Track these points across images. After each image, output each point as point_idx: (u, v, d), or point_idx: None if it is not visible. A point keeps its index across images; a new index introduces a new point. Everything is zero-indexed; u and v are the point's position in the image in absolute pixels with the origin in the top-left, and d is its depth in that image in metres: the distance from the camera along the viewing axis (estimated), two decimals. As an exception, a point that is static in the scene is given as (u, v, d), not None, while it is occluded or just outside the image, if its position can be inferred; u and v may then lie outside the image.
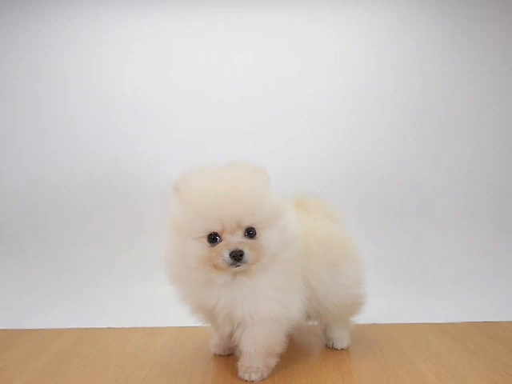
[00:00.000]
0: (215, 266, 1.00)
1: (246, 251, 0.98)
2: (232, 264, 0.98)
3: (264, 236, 1.01)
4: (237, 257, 0.97)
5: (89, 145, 2.04)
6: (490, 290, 1.83)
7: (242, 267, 0.99)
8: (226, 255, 0.97)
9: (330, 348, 1.30)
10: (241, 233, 1.00)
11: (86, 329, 1.49)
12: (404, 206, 2.04)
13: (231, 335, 1.13)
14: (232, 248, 0.97)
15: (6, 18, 2.03)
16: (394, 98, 2.06)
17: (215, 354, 1.27)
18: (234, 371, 1.14)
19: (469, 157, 2.07)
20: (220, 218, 0.97)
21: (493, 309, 1.64)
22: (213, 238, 0.99)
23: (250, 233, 1.00)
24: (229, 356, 1.25)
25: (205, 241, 1.00)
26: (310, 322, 1.30)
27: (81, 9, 2.04)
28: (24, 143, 2.05)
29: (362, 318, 1.34)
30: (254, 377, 1.09)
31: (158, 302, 1.70)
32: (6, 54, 2.04)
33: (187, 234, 1.00)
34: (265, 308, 1.04)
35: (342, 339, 1.30)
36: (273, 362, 1.13)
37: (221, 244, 0.99)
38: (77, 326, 1.50)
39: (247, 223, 0.99)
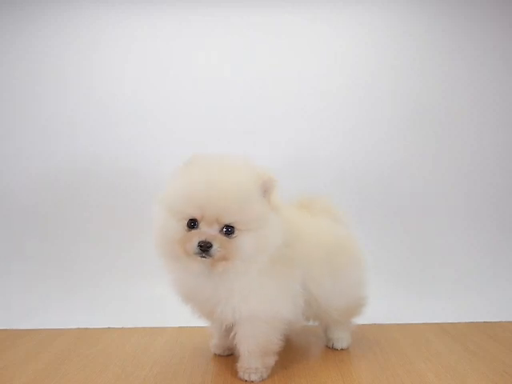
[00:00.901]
0: (185, 251, 1.00)
1: (216, 245, 0.98)
2: (198, 253, 0.98)
3: (240, 238, 1.00)
4: (204, 247, 0.97)
5: (89, 145, 2.04)
6: (489, 290, 1.83)
7: (208, 260, 0.99)
8: (195, 243, 0.98)
9: (330, 348, 1.31)
10: (218, 227, 1.00)
11: (86, 329, 1.49)
12: (404, 206, 2.04)
13: (229, 335, 1.13)
14: (202, 238, 0.98)
15: (5, 18, 2.03)
16: (394, 97, 2.06)
17: (215, 354, 1.27)
18: (234, 371, 1.14)
19: (469, 157, 2.07)
20: (200, 207, 0.98)
21: (493, 309, 1.64)
22: (192, 225, 1.01)
23: (228, 230, 1.00)
24: (228, 356, 1.25)
25: (184, 224, 1.01)
26: (311, 323, 1.30)
27: (81, 9, 2.04)
28: (24, 143, 2.05)
29: (362, 318, 1.34)
30: (253, 377, 1.10)
31: (157, 301, 1.70)
32: (5, 54, 2.04)
33: (171, 212, 1.02)
34: (246, 307, 1.04)
35: (342, 340, 1.30)
36: (271, 361, 1.13)
37: (195, 231, 1.00)
38: (77, 326, 1.50)
39: (224, 220, 0.99)
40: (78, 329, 1.49)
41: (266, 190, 1.03)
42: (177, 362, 1.23)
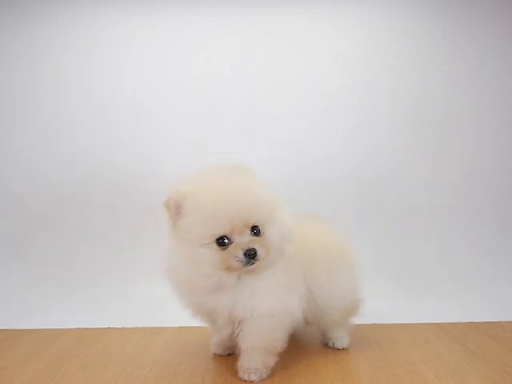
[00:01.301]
0: (229, 268, 1.01)
1: (259, 248, 1.00)
2: (248, 263, 1.00)
3: (268, 232, 1.04)
4: (252, 255, 0.99)
5: (89, 145, 2.04)
6: (490, 290, 1.83)
7: (256, 264, 1.01)
8: (241, 255, 0.99)
9: (330, 348, 1.31)
10: (248, 232, 1.02)
11: (86, 329, 1.49)
12: (404, 206, 2.04)
13: (231, 335, 1.13)
14: (245, 247, 1.00)
15: (5, 17, 2.03)
16: (394, 97, 2.06)
17: (215, 354, 1.27)
18: (234, 371, 1.14)
19: (469, 157, 2.07)
20: (229, 221, 0.99)
21: (493, 309, 1.64)
22: (222, 242, 1.01)
23: (256, 231, 1.03)
24: (229, 356, 1.25)
25: (214, 246, 1.01)
26: (309, 329, 1.31)
27: (81, 9, 2.04)
28: (24, 143, 2.05)
29: (362, 318, 1.34)
30: (253, 377, 1.10)
31: (157, 301, 1.69)
32: (5, 54, 2.04)
33: (196, 242, 1.01)
34: (264, 304, 1.06)
35: (341, 339, 1.31)
36: (272, 361, 1.13)
37: (233, 245, 1.01)
38: (77, 326, 1.50)
39: (253, 221, 1.02)
40: (78, 329, 1.49)
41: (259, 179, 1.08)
42: (177, 362, 1.23)
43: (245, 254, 0.99)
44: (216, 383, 1.10)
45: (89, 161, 2.04)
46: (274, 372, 1.14)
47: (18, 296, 1.81)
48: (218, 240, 1.00)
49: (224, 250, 1.00)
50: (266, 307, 1.06)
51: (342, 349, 1.30)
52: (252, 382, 1.10)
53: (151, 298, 1.74)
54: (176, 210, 1.02)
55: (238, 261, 0.99)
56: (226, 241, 1.01)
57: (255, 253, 0.99)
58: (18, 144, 2.05)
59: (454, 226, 2.04)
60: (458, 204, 2.06)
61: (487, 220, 2.05)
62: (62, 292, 1.83)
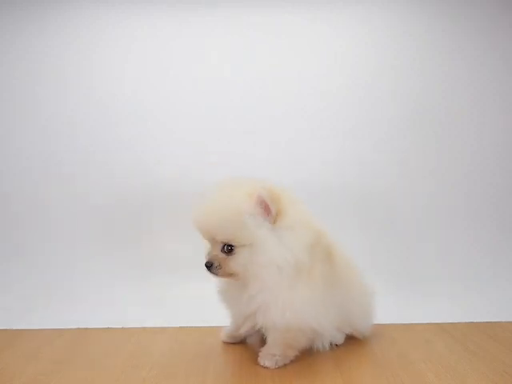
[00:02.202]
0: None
1: (215, 264, 1.10)
2: (207, 271, 1.12)
3: (238, 255, 1.09)
4: (208, 267, 1.11)
5: (89, 145, 2.04)
6: (490, 290, 1.83)
7: (218, 276, 1.13)
8: (204, 262, 1.12)
9: (330, 346, 1.30)
10: (219, 247, 1.10)
11: (86, 329, 1.48)
12: (404, 206, 2.04)
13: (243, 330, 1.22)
14: (207, 258, 1.12)
15: (5, 18, 2.03)
16: (394, 97, 2.06)
17: (215, 354, 1.27)
18: (235, 372, 1.14)
19: (469, 157, 2.07)
20: (200, 229, 1.12)
21: (493, 309, 1.64)
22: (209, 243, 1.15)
23: (228, 248, 1.09)
24: (229, 355, 1.25)
25: (207, 243, 1.15)
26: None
27: (81, 9, 2.04)
28: (24, 143, 2.05)
29: (362, 317, 1.34)
30: (268, 363, 1.16)
31: (158, 301, 1.70)
32: (5, 54, 2.04)
33: None
34: (278, 318, 1.10)
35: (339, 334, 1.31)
36: (292, 353, 1.18)
37: (207, 251, 1.14)
38: (77, 326, 1.50)
39: (220, 239, 1.09)
40: (78, 329, 1.49)
41: (264, 205, 1.06)
42: (177, 362, 1.22)
43: (205, 264, 1.11)
44: (216, 383, 1.10)
45: (89, 161, 2.04)
46: (274, 372, 1.14)
47: (18, 296, 1.81)
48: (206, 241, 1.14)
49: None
50: (282, 321, 1.10)
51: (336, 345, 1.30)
52: (267, 367, 1.15)
53: (151, 297, 1.74)
54: None
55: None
56: (210, 245, 1.13)
57: (209, 266, 1.10)
58: (18, 144, 2.05)
59: (454, 225, 2.04)
60: (458, 204, 2.06)
61: (487, 220, 2.05)
62: (62, 292, 1.83)
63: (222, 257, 1.09)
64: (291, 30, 2.05)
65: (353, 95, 2.06)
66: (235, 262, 1.08)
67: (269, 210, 1.06)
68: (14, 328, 1.49)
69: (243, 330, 1.21)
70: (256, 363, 1.18)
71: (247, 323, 1.18)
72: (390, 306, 1.63)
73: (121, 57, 2.05)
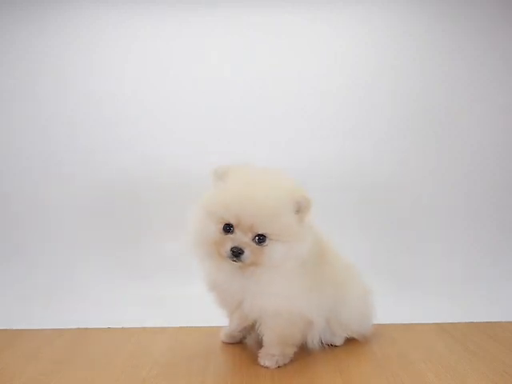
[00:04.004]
0: (219, 253, 1.07)
1: (247, 252, 1.05)
2: (230, 257, 1.06)
3: (270, 247, 1.06)
4: (236, 253, 1.04)
5: (89, 145, 2.04)
6: (490, 290, 1.83)
7: (239, 264, 1.07)
8: (228, 247, 1.05)
9: (329, 346, 1.30)
10: (251, 235, 1.06)
11: (86, 329, 1.49)
12: (404, 206, 2.04)
13: (240, 325, 1.26)
14: (235, 244, 1.05)
15: (5, 18, 2.03)
16: (394, 97, 2.05)
17: (216, 353, 1.28)
18: (235, 372, 1.14)
19: (469, 157, 2.07)
20: (236, 215, 1.04)
21: (493, 309, 1.64)
22: (228, 229, 1.07)
23: (260, 239, 1.06)
24: (229, 355, 1.25)
25: (220, 228, 1.07)
26: None
27: (81, 9, 2.04)
28: (24, 143, 2.05)
29: (362, 317, 1.34)
30: (268, 363, 1.17)
31: (158, 301, 1.70)
32: (5, 54, 2.04)
33: (210, 215, 1.09)
34: (270, 303, 1.11)
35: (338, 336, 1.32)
36: (290, 351, 1.19)
37: (230, 236, 1.06)
38: (77, 326, 1.50)
39: (257, 230, 1.05)
40: (78, 329, 1.49)
41: (299, 208, 1.08)
42: (177, 362, 1.22)
43: (231, 249, 1.04)
44: (216, 383, 1.10)
45: (88, 161, 2.03)
46: (273, 371, 1.14)
47: (18, 296, 1.81)
48: (225, 225, 1.07)
49: (225, 235, 1.07)
50: (273, 307, 1.11)
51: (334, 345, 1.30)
52: (267, 367, 1.16)
53: (151, 297, 1.74)
54: (219, 177, 1.10)
55: (224, 251, 1.05)
56: (231, 230, 1.06)
57: (240, 253, 1.04)
58: (18, 144, 2.05)
59: (454, 225, 2.04)
60: (458, 204, 2.05)
61: (487, 220, 2.05)
62: (62, 292, 1.83)
63: (254, 246, 1.06)
64: (291, 30, 2.05)
65: (353, 95, 2.06)
66: (269, 255, 1.06)
67: (303, 212, 1.09)
68: (14, 328, 1.49)
69: (235, 323, 1.24)
70: (256, 363, 1.19)
71: (238, 312, 1.19)
72: (389, 306, 1.63)
73: (121, 57, 2.05)
